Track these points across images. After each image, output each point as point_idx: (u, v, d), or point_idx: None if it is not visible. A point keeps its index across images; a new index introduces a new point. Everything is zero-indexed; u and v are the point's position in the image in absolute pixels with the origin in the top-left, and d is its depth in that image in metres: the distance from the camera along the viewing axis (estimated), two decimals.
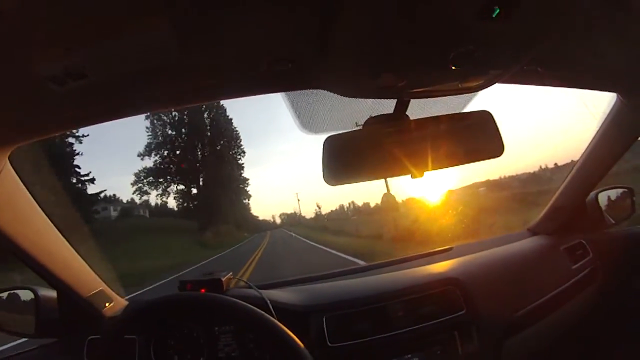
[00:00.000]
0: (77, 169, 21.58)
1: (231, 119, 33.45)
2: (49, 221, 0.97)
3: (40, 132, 0.80)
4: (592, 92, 1.06)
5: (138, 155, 30.57)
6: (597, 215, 1.38)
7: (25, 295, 1.07)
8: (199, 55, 0.58)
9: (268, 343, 0.90)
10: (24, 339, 1.25)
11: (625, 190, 1.45)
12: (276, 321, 0.80)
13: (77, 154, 21.73)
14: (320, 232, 20.11)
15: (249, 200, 36.80)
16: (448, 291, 1.05)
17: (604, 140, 1.23)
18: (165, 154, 30.60)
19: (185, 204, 30.97)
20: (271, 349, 0.91)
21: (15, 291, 1.09)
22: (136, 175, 30.43)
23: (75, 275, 1.03)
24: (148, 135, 30.94)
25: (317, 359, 0.80)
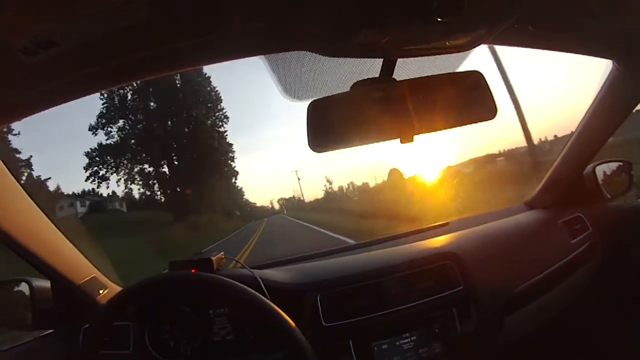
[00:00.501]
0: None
1: (208, 77, 24.92)
2: (37, 208, 0.95)
3: (18, 113, 0.78)
4: (588, 58, 1.04)
5: (89, 130, 22.39)
6: (595, 189, 1.36)
7: (19, 286, 1.06)
8: (168, 15, 0.56)
9: (260, 323, 0.88)
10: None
11: (623, 163, 1.43)
12: (267, 300, 0.78)
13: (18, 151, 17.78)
14: (325, 214, 17.82)
15: (235, 179, 29.29)
16: (445, 266, 1.03)
17: (601, 110, 1.20)
18: (124, 124, 22.88)
19: (155, 190, 23.54)
20: (264, 329, 0.89)
21: (10, 284, 1.08)
22: (88, 155, 22.26)
23: (67, 262, 1.01)
24: (102, 103, 22.39)
25: (311, 338, 0.77)
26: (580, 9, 0.79)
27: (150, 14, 0.54)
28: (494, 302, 1.04)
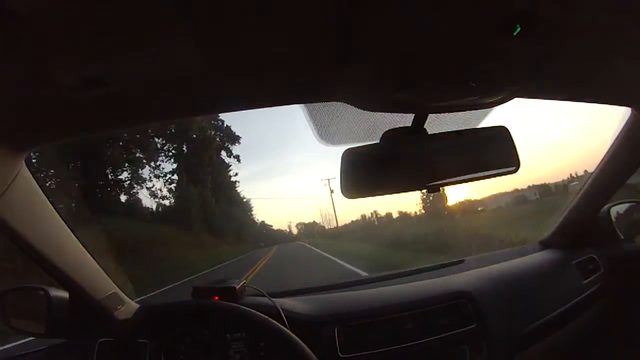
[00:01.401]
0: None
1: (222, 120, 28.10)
2: (64, 224, 0.98)
3: (56, 137, 0.81)
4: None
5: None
6: (609, 230, 1.37)
7: (37, 295, 1.08)
8: (218, 65, 0.59)
9: (280, 353, 0.90)
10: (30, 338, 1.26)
11: (637, 204, 1.44)
12: (289, 332, 0.80)
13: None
14: (351, 242, 16.40)
15: (250, 211, 33.12)
16: (459, 304, 1.05)
17: (618, 154, 1.22)
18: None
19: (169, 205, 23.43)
20: (283, 358, 0.91)
21: (28, 290, 1.10)
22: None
23: (88, 277, 1.03)
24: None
25: None
26: (602, 64, 0.82)
27: (200, 66, 0.57)
28: (505, 339, 1.06)
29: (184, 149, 25.74)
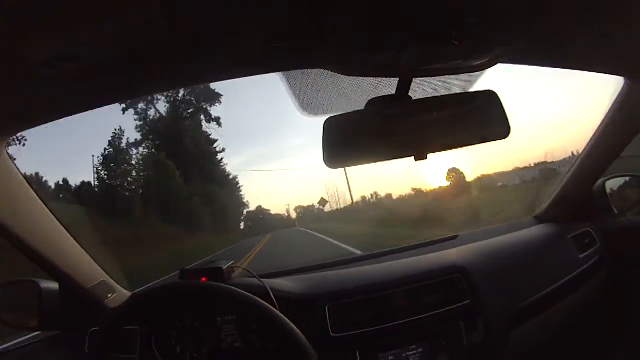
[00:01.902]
0: None
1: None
2: (48, 212, 0.97)
3: (35, 120, 0.79)
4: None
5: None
6: (605, 204, 1.36)
7: (28, 288, 1.07)
8: (190, 32, 0.57)
9: (269, 333, 0.89)
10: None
11: (632, 178, 1.43)
12: (277, 311, 0.79)
13: None
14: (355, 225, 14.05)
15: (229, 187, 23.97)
16: (453, 280, 1.03)
17: (612, 126, 1.20)
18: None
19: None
20: (272, 339, 0.90)
21: (18, 284, 1.09)
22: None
23: (76, 266, 1.02)
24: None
25: (319, 348, 0.78)
26: (594, 28, 0.80)
27: (171, 34, 0.55)
28: (501, 315, 1.04)
29: (149, 113, 20.65)
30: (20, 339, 1.26)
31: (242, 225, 27.34)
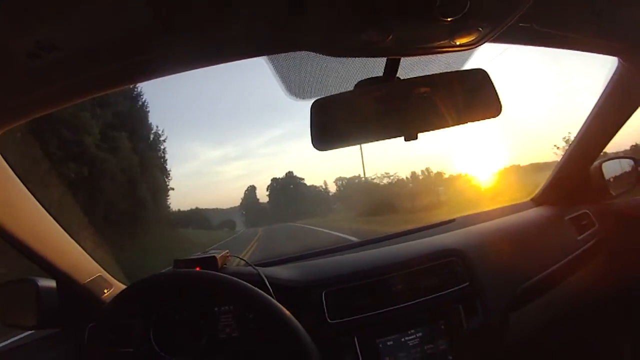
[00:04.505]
0: None
1: None
2: (41, 207, 0.96)
3: (21, 115, 0.78)
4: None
5: None
6: (601, 186, 1.35)
7: (26, 287, 1.07)
8: (173, 20, 0.56)
9: (264, 321, 0.89)
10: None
11: (630, 160, 1.42)
12: (271, 298, 0.78)
13: None
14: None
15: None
16: (451, 263, 1.03)
17: (607, 107, 1.19)
18: None
19: None
20: (268, 327, 0.89)
21: (16, 283, 1.09)
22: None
23: (72, 261, 1.02)
24: None
25: (317, 335, 0.78)
26: (585, 7, 0.79)
27: (151, 18, 0.54)
28: (500, 298, 1.04)
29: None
30: (19, 336, 1.26)
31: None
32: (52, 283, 1.05)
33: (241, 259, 1.07)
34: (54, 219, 0.99)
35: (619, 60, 1.08)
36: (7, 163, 0.88)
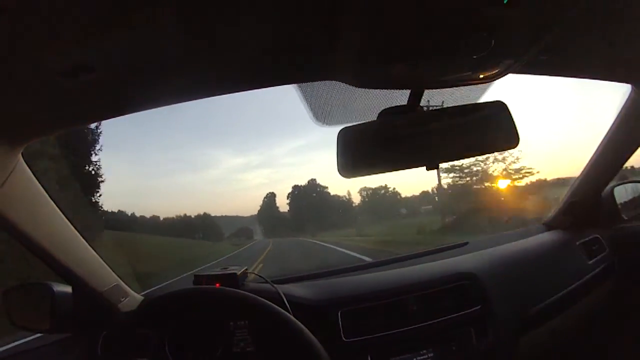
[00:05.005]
0: None
1: None
2: (63, 217, 0.98)
3: (52, 128, 0.81)
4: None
5: None
6: (613, 210, 1.36)
7: (41, 291, 1.09)
8: (207, 46, 0.58)
9: (283, 338, 0.90)
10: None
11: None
12: (291, 316, 0.80)
13: None
14: None
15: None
16: (464, 286, 1.05)
17: (619, 132, 1.21)
18: None
19: None
20: (286, 344, 0.91)
21: (31, 287, 1.10)
22: None
23: (90, 270, 1.03)
24: None
25: (332, 354, 0.79)
26: (599, 38, 0.81)
27: (186, 45, 0.56)
28: (511, 321, 1.05)
29: None
30: (29, 338, 1.27)
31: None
32: (67, 289, 1.06)
33: (259, 275, 1.09)
34: (76, 229, 1.01)
35: (632, 87, 1.09)
36: (32, 173, 0.90)
